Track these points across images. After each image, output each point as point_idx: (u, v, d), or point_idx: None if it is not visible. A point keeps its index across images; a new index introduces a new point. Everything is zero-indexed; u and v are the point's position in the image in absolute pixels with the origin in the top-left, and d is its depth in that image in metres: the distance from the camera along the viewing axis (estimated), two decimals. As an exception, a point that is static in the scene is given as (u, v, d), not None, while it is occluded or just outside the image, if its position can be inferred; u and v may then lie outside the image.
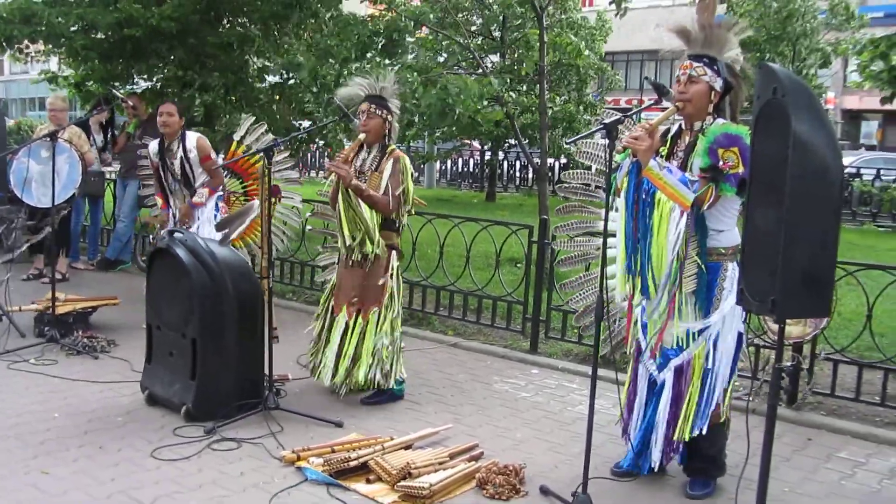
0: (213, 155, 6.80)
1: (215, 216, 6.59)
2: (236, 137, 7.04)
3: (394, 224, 5.27)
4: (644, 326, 4.18)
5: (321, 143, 12.96)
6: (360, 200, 5.07)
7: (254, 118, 7.26)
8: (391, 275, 5.24)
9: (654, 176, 3.80)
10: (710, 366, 4.02)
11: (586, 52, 18.75)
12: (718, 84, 3.94)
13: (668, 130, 4.14)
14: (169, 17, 9.73)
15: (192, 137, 6.70)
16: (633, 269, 3.98)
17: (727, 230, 4.00)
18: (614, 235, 4.20)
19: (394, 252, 5.29)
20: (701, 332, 4.01)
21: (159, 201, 6.86)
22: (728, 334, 4.01)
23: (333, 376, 5.25)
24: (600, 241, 4.70)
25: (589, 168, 4.82)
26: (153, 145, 6.78)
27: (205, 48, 10.74)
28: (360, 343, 5.20)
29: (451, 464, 4.30)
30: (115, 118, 10.36)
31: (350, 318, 5.24)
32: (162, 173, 6.70)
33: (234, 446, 4.57)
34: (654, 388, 4.17)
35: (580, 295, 4.97)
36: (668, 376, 4.09)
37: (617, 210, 4.14)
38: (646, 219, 3.90)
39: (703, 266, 3.95)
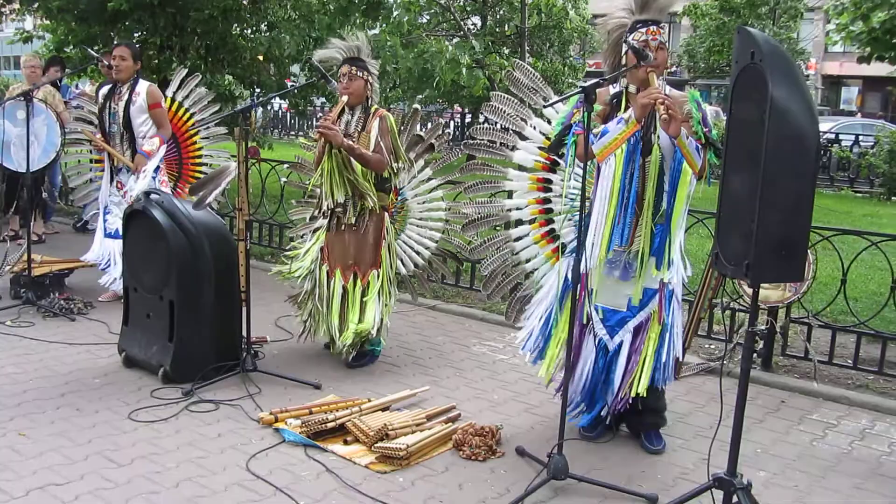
0: (164, 105, 6.60)
1: (154, 178, 6.37)
2: (169, 93, 6.92)
3: (385, 184, 5.27)
4: (590, 294, 4.18)
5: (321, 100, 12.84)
6: (353, 159, 5.06)
7: (186, 71, 7.10)
8: (384, 236, 5.25)
9: (683, 145, 3.87)
10: (668, 321, 4.08)
11: (571, 13, 18.67)
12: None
13: (608, 92, 4.13)
14: None
15: (144, 84, 6.48)
16: (625, 235, 3.98)
17: None
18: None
19: (385, 214, 5.30)
20: (657, 291, 4.07)
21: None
22: (677, 289, 4.11)
23: (342, 342, 5.24)
24: (505, 202, 4.69)
25: (495, 124, 4.71)
26: (104, 89, 6.59)
27: (186, 17, 10.60)
28: (364, 307, 5.21)
29: (429, 425, 4.34)
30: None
31: (347, 282, 5.24)
32: (104, 117, 6.48)
33: (211, 408, 4.58)
34: (606, 353, 4.19)
35: (488, 261, 4.80)
36: (625, 338, 4.13)
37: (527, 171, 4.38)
38: (672, 188, 3.93)
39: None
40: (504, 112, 4.62)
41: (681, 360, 4.20)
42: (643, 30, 3.97)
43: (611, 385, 4.17)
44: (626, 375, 4.13)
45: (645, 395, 4.11)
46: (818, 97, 36.00)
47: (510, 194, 4.68)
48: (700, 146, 3.91)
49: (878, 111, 33.72)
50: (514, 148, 4.62)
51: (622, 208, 3.96)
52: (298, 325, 5.55)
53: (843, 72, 37.37)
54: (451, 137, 25.67)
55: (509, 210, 4.68)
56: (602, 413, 4.31)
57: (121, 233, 6.00)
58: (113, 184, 6.52)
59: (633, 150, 3.92)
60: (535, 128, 4.57)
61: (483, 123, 4.89)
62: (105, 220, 6.59)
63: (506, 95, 4.62)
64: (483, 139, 4.74)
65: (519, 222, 4.68)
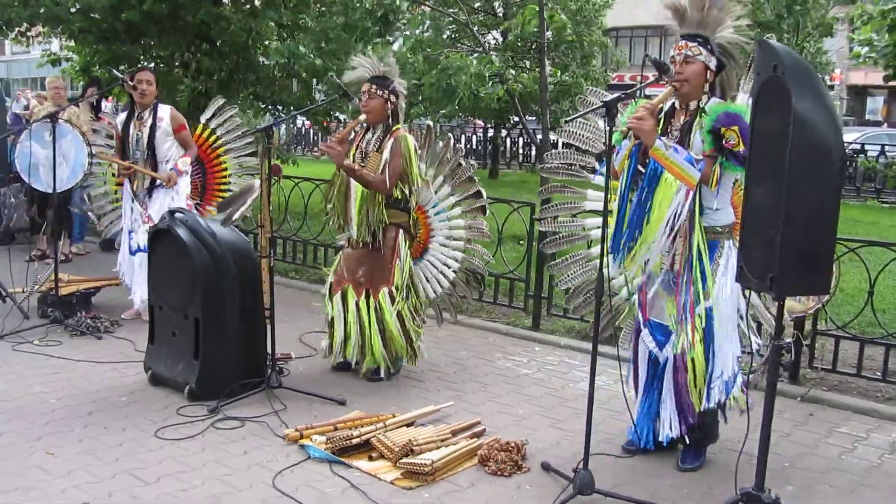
0: (187, 127, 6.70)
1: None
2: (203, 119, 6.99)
3: (399, 203, 5.25)
4: (640, 305, 4.20)
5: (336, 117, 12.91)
6: (354, 180, 5.09)
7: (223, 100, 7.15)
8: (398, 255, 5.24)
9: (661, 156, 3.81)
10: (711, 342, 4.02)
11: (568, 28, 18.64)
12: (713, 63, 3.96)
13: (660, 109, 4.13)
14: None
15: (166, 108, 6.59)
16: (620, 247, 4.00)
17: (722, 208, 4.01)
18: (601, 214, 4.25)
19: (401, 231, 5.28)
20: (696, 308, 4.01)
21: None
22: (729, 311, 4.03)
23: (360, 359, 5.29)
24: (585, 221, 4.83)
25: (572, 147, 4.78)
26: (121, 116, 6.70)
27: (200, 29, 10.70)
28: (370, 325, 5.20)
29: (453, 441, 4.33)
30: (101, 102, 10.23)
31: (359, 298, 5.24)
32: (126, 144, 6.55)
33: (237, 425, 4.60)
34: (658, 366, 4.20)
35: (569, 276, 4.93)
36: (669, 353, 4.11)
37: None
38: (647, 199, 3.92)
39: (700, 244, 3.96)
40: (580, 136, 4.71)
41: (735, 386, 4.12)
42: (675, 45, 4.00)
43: (662, 401, 4.17)
44: (679, 392, 4.10)
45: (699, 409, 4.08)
46: (843, 107, 35.74)
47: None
48: (705, 157, 3.85)
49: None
50: (593, 170, 4.72)
51: (622, 221, 3.98)
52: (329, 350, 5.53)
53: (868, 81, 37.08)
54: (472, 152, 25.79)
55: (588, 229, 4.85)
56: (667, 432, 4.24)
57: (143, 247, 6.17)
58: (133, 209, 6.60)
59: (633, 162, 3.95)
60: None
61: (558, 148, 4.97)
62: (130, 239, 6.65)
63: (581, 119, 4.67)
64: (556, 163, 4.84)
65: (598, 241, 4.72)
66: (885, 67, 7.85)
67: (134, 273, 6.60)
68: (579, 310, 5.05)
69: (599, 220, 4.61)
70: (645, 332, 4.21)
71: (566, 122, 4.59)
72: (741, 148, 3.71)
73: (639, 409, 4.32)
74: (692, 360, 4.02)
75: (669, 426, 4.16)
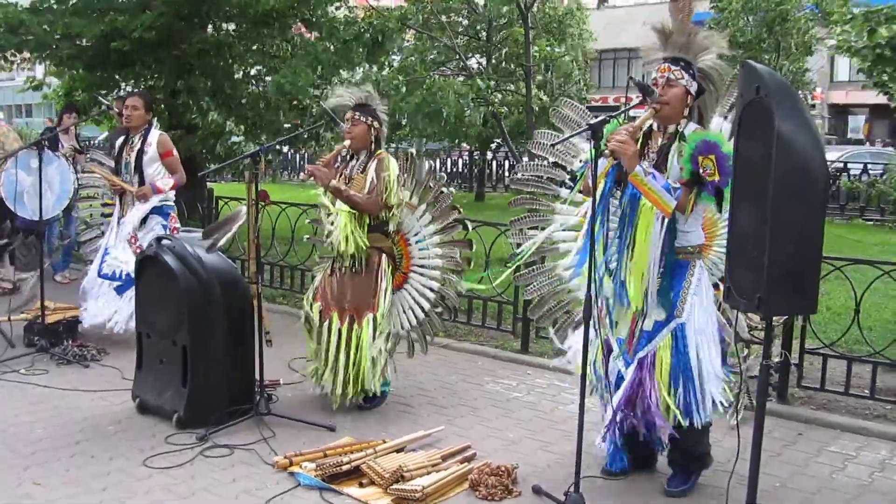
0: (176, 153, 6.79)
1: (165, 227, 6.56)
2: None
3: (383, 226, 5.26)
4: (613, 325, 4.18)
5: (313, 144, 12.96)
6: (341, 201, 5.09)
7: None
8: (382, 279, 5.22)
9: (640, 182, 3.82)
10: (679, 360, 3.99)
11: (558, 51, 18.76)
12: (693, 88, 3.98)
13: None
14: (151, 26, 9.74)
15: (155, 134, 6.70)
16: (601, 269, 4.02)
17: (693, 231, 4.05)
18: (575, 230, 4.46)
19: (384, 256, 5.27)
20: (666, 325, 4.01)
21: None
22: (702, 330, 4.01)
23: (334, 389, 5.21)
24: (554, 235, 4.74)
25: (543, 159, 4.75)
26: (119, 140, 6.80)
27: (189, 57, 10.75)
28: (355, 352, 5.14)
29: (444, 466, 4.31)
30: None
31: (343, 325, 5.21)
32: (119, 167, 6.65)
33: (226, 453, 4.57)
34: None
35: (535, 287, 4.86)
36: (630, 369, 4.09)
37: (569, 203, 4.42)
38: (630, 223, 3.94)
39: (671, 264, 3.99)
40: (553, 148, 4.67)
41: (720, 402, 4.10)
42: (657, 67, 4.02)
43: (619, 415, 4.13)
44: (640, 406, 4.06)
45: (680, 432, 4.04)
46: (825, 126, 36.00)
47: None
48: (682, 185, 3.84)
49: (885, 139, 33.68)
50: (563, 184, 4.69)
51: (599, 240, 3.99)
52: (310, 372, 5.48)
53: (849, 100, 37.41)
54: (457, 175, 25.82)
55: (556, 242, 4.77)
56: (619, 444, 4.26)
57: (116, 274, 6.40)
58: (123, 237, 6.61)
59: (609, 184, 3.96)
60: (582, 162, 4.58)
61: (528, 161, 4.94)
62: (103, 261, 6.65)
63: (552, 132, 4.67)
64: (529, 175, 4.80)
65: (566, 254, 4.71)
66: (859, 71, 7.87)
67: (98, 295, 6.59)
68: (543, 321, 4.97)
69: (567, 233, 4.70)
70: (616, 350, 4.17)
71: (552, 145, 4.59)
72: (717, 177, 3.73)
73: (608, 431, 4.26)
74: (659, 366, 3.99)
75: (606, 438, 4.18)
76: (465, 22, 21.27)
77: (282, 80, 10.72)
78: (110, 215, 6.89)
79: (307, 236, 6.06)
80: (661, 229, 3.91)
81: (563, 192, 4.70)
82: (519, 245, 4.88)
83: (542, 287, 4.83)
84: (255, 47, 11.60)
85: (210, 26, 11.40)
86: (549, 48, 19.15)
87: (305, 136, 11.82)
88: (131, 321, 6.06)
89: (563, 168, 4.69)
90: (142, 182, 6.57)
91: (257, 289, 5.06)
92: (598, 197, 3.90)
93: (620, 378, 4.14)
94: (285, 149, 25.25)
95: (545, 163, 4.77)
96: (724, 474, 4.00)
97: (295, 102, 11.59)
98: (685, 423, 3.99)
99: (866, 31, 7.45)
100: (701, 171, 3.77)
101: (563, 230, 4.73)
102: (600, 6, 18.99)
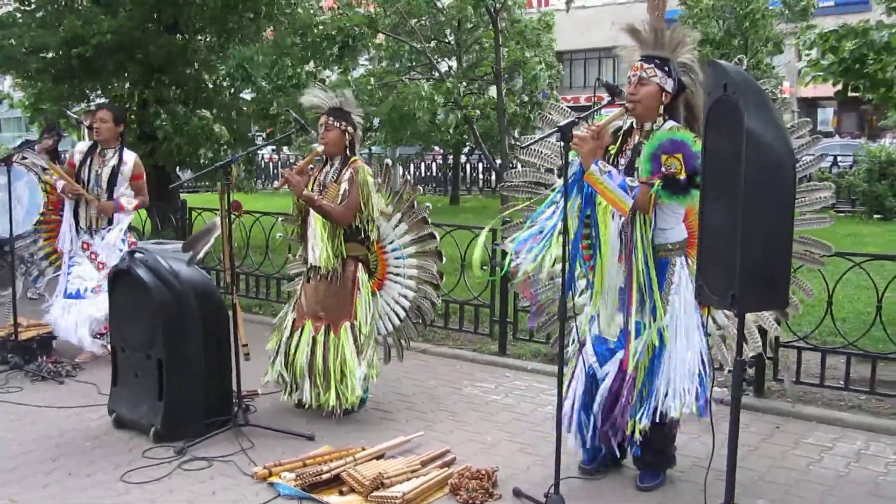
0: (144, 177, 6.81)
1: (123, 241, 6.56)
2: None
3: (358, 235, 5.23)
4: (591, 320, 4.20)
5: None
6: (314, 211, 5.08)
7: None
8: (358, 288, 5.21)
9: (595, 180, 3.84)
10: (659, 360, 4.01)
11: (530, 55, 18.79)
12: (669, 85, 3.97)
13: (619, 127, 4.17)
14: (110, 31, 9.68)
15: (132, 156, 6.71)
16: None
17: (672, 228, 4.04)
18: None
19: (360, 264, 5.26)
20: (646, 326, 4.01)
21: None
22: (683, 329, 4.02)
23: (309, 396, 5.19)
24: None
25: (533, 166, 4.75)
26: (81, 145, 6.78)
27: (155, 63, 10.70)
28: (334, 360, 5.10)
29: (424, 471, 4.31)
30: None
31: (317, 334, 5.18)
32: (82, 175, 6.58)
33: (204, 465, 4.54)
34: (594, 382, 4.18)
35: (532, 293, 4.76)
36: (611, 369, 4.10)
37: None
38: (594, 222, 3.99)
39: (649, 261, 3.98)
40: (540, 152, 4.67)
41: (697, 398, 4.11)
42: (632, 65, 4.02)
43: (592, 417, 4.14)
44: (617, 409, 4.08)
45: (647, 431, 4.05)
46: (795, 120, 36.24)
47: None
48: (641, 183, 3.84)
49: (854, 131, 34.00)
50: (552, 187, 4.63)
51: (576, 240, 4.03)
52: (275, 382, 5.40)
53: (817, 93, 37.69)
54: (432, 179, 25.82)
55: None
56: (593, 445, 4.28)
57: (82, 293, 6.37)
58: (77, 242, 6.60)
59: (574, 184, 3.96)
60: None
61: (516, 167, 4.93)
62: (67, 281, 6.60)
63: (539, 137, 4.67)
64: (518, 181, 4.79)
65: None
66: (834, 84, 7.99)
67: (68, 316, 6.52)
68: (544, 328, 4.99)
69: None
70: (588, 347, 4.20)
71: (522, 147, 4.59)
72: (682, 176, 3.74)
73: (577, 427, 4.26)
74: (637, 370, 4.00)
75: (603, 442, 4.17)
76: (431, 24, 21.15)
77: (237, 55, 10.69)
78: (52, 236, 6.84)
79: (280, 233, 5.99)
80: (617, 228, 3.94)
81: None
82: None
83: (540, 294, 4.76)
84: (222, 46, 11.51)
85: (178, 34, 11.34)
86: (518, 50, 19.15)
87: (274, 144, 11.85)
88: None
89: (550, 171, 4.68)
90: (110, 197, 6.54)
91: (233, 300, 5.03)
92: (567, 195, 3.89)
93: (590, 374, 4.16)
94: (259, 157, 25.18)
95: (535, 168, 4.76)
96: (701, 469, 4.03)
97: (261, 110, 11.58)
98: (647, 422, 4.00)
99: (828, 49, 7.59)
100: (664, 169, 3.77)
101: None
102: (568, 8, 18.92)
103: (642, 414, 4.01)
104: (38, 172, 6.91)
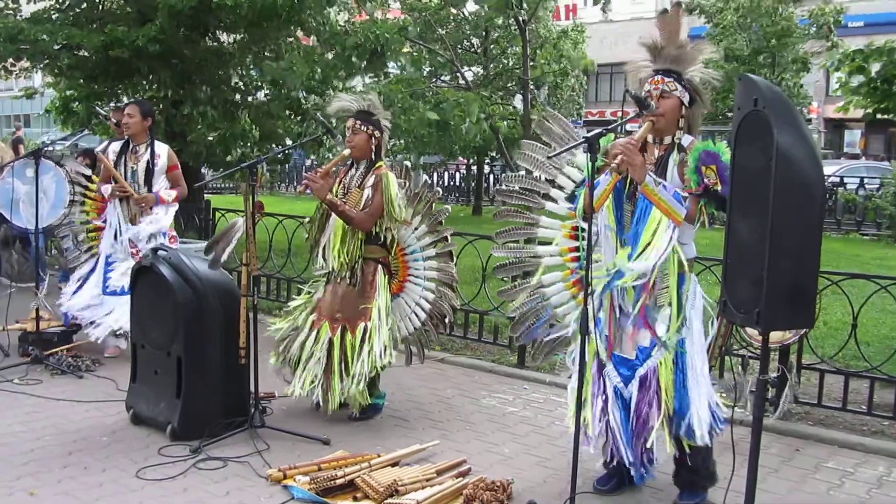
0: (179, 167, 6.83)
1: (164, 235, 6.53)
2: None
3: (378, 239, 5.24)
4: (606, 339, 4.14)
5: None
6: (336, 215, 5.09)
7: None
8: (377, 291, 5.20)
9: (650, 192, 3.85)
10: (680, 376, 3.97)
11: (556, 66, 18.78)
12: (686, 98, 3.99)
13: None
14: (154, 38, 9.74)
15: (164, 147, 6.73)
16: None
17: (688, 244, 4.05)
18: (549, 243, 4.48)
19: (379, 266, 5.26)
20: (665, 341, 3.98)
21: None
22: (699, 345, 3.99)
23: (324, 397, 5.18)
24: (536, 248, 4.68)
25: (529, 173, 4.70)
26: (115, 145, 6.76)
27: (189, 66, 10.77)
28: (349, 361, 5.11)
29: (439, 480, 4.29)
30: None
31: (334, 335, 5.18)
32: (120, 173, 6.55)
33: (219, 465, 4.54)
34: (625, 402, 4.11)
35: (517, 303, 4.73)
36: (633, 389, 4.04)
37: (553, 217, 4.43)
38: (636, 233, 3.94)
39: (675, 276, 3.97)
40: (537, 160, 4.64)
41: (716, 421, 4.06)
42: (649, 79, 4.01)
43: (626, 436, 4.09)
44: (641, 427, 4.04)
45: (687, 449, 4.01)
46: (821, 141, 36.04)
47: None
48: (690, 194, 3.86)
49: (881, 153, 33.70)
50: (546, 196, 4.63)
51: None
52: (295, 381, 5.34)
53: (845, 115, 37.50)
54: (455, 189, 25.79)
55: (540, 256, 4.65)
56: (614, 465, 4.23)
57: (126, 290, 6.10)
58: (119, 240, 6.55)
59: (618, 198, 3.99)
60: (568, 176, 4.56)
61: (516, 172, 4.88)
62: (107, 277, 6.61)
63: (538, 144, 4.65)
64: (515, 186, 4.75)
65: (550, 269, 4.66)
66: (864, 107, 7.95)
67: (105, 311, 6.53)
68: (523, 338, 4.88)
69: (551, 248, 4.62)
70: (609, 366, 4.14)
71: (549, 157, 4.56)
72: (719, 187, 3.75)
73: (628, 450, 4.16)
74: (664, 386, 3.95)
75: (626, 455, 4.09)
76: (460, 33, 21.15)
77: (273, 65, 10.72)
78: (96, 236, 6.86)
79: (305, 235, 5.98)
80: (673, 240, 3.90)
81: (549, 204, 4.61)
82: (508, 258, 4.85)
83: (525, 304, 4.69)
84: (254, 50, 11.57)
85: (209, 38, 11.41)
86: (546, 64, 19.16)
87: (302, 145, 11.88)
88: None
89: (551, 181, 4.63)
90: (149, 192, 6.56)
91: (253, 300, 5.03)
92: (610, 213, 3.93)
93: (618, 395, 4.10)
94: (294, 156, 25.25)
95: (531, 175, 4.70)
96: (720, 491, 3.97)
97: (289, 112, 11.61)
98: (699, 441, 3.95)
99: (856, 69, 7.57)
100: (705, 180, 3.79)
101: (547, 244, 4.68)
102: (605, 12, 18.84)
103: (674, 434, 3.98)
104: (82, 182, 6.94)
